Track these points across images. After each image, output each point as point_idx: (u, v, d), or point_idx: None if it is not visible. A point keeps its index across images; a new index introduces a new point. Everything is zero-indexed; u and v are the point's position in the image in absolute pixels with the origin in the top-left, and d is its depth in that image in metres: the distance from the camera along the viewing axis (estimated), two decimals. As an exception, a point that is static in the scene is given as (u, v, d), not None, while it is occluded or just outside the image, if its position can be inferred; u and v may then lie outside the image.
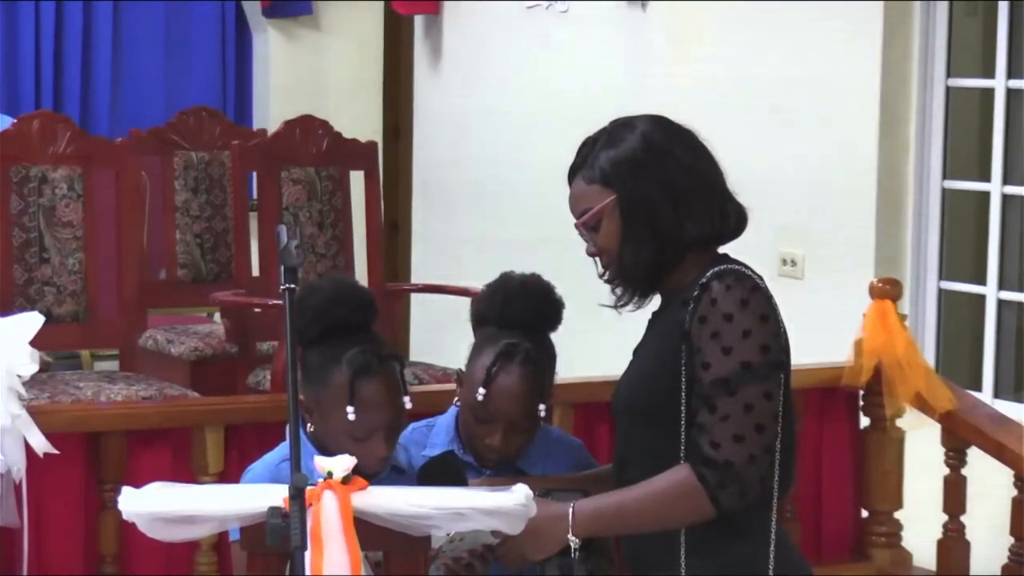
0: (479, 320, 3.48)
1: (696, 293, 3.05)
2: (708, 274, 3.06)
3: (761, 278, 3.10)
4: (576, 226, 3.17)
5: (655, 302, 3.20)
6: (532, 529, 2.96)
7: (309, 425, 3.23)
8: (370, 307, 3.29)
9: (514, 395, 3.36)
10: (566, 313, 3.49)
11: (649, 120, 3.18)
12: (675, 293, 3.13)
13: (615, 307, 3.18)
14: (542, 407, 3.38)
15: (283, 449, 3.29)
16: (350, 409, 3.16)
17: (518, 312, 3.43)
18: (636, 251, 3.10)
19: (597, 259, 3.17)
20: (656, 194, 3.09)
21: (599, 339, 4.88)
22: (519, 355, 3.37)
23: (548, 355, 3.44)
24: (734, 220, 3.16)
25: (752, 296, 3.05)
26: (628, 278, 3.14)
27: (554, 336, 3.51)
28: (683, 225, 3.10)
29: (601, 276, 3.18)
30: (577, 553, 3.08)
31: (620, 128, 3.17)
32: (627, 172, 3.11)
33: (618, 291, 3.16)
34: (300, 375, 3.24)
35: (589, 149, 3.17)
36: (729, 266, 3.09)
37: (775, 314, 3.08)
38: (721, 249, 3.17)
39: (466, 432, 3.44)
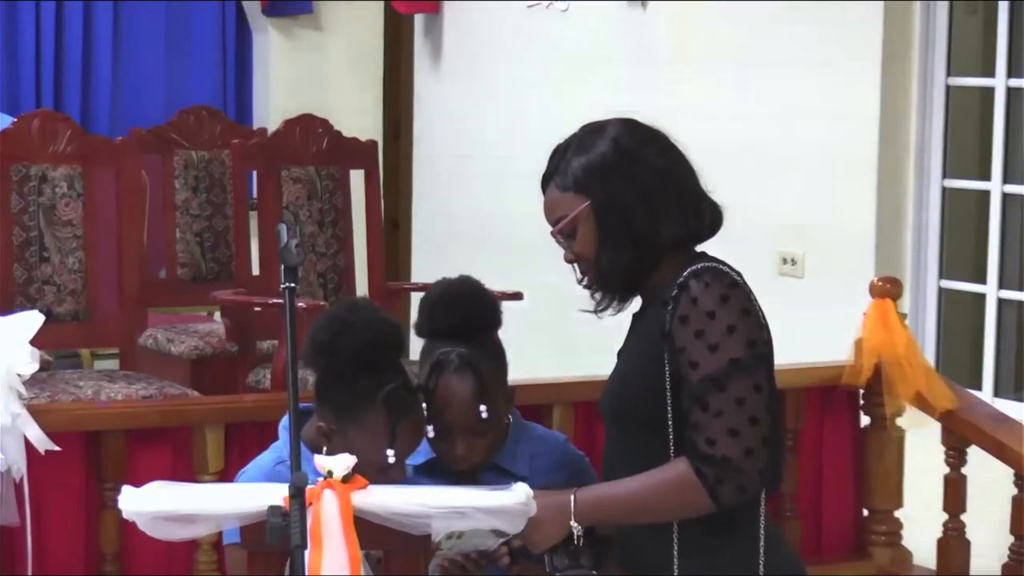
0: (418, 334, 3.45)
1: (675, 293, 3.05)
2: (685, 273, 3.07)
3: (739, 273, 3.11)
4: (552, 234, 3.18)
5: (637, 303, 3.20)
6: (534, 520, 2.96)
7: (325, 449, 3.20)
8: (402, 344, 3.26)
9: (456, 403, 3.33)
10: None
11: (619, 124, 3.18)
12: (654, 294, 3.13)
13: (595, 312, 3.18)
14: (483, 408, 3.33)
15: (276, 450, 3.28)
16: (390, 452, 3.14)
17: (444, 320, 3.39)
18: (613, 256, 3.11)
19: (575, 265, 3.17)
20: (629, 197, 3.10)
21: (602, 338, 4.88)
22: (452, 364, 3.33)
23: (489, 356, 3.39)
24: (709, 218, 3.16)
25: (731, 292, 3.06)
26: (606, 283, 3.14)
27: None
28: (658, 227, 3.10)
29: (580, 282, 3.18)
30: (581, 540, 3.09)
31: (590, 133, 3.17)
32: (599, 177, 3.11)
33: (597, 296, 3.17)
34: (321, 402, 3.23)
35: (560, 156, 3.17)
36: (706, 264, 3.10)
37: (756, 308, 3.09)
38: (713, 247, 3.18)
39: (433, 446, 3.42)
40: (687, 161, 3.18)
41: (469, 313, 3.41)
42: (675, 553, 3.09)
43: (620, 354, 3.22)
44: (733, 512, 3.05)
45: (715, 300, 3.03)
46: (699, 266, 3.08)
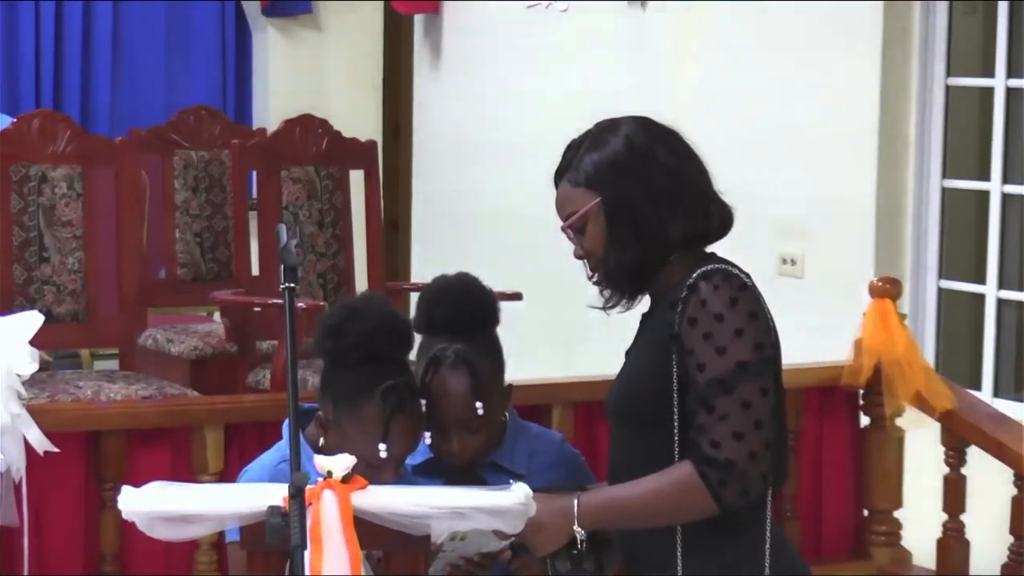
0: (416, 330, 3.46)
1: (684, 294, 3.05)
2: (695, 274, 3.07)
3: (748, 275, 3.11)
4: (562, 229, 3.18)
5: (645, 302, 3.20)
6: (537, 524, 2.97)
7: (321, 440, 3.21)
8: (410, 340, 3.28)
9: (451, 400, 3.34)
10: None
11: (633, 122, 3.18)
12: (663, 294, 3.13)
13: (603, 309, 3.18)
14: (478, 404, 3.34)
15: (280, 449, 3.29)
16: (382, 446, 3.15)
17: (440, 315, 3.41)
18: (620, 254, 3.11)
19: (585, 262, 3.18)
20: (638, 196, 3.10)
21: (603, 339, 4.88)
22: (447, 360, 3.35)
23: (485, 352, 3.40)
24: (718, 220, 3.16)
25: (740, 295, 3.05)
26: (614, 280, 3.14)
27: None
28: (666, 226, 3.10)
29: (590, 278, 3.19)
30: (584, 544, 3.09)
31: (604, 130, 3.17)
32: (610, 175, 3.11)
33: (606, 293, 3.17)
34: (322, 391, 3.25)
35: (574, 152, 3.18)
36: (716, 265, 3.09)
37: (764, 311, 3.09)
38: (712, 247, 3.17)
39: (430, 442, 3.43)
40: (699, 161, 3.18)
41: (465, 308, 3.42)
42: (679, 552, 3.09)
43: (628, 353, 3.22)
44: (737, 512, 3.05)
45: (724, 303, 3.03)
46: (709, 267, 3.07)
